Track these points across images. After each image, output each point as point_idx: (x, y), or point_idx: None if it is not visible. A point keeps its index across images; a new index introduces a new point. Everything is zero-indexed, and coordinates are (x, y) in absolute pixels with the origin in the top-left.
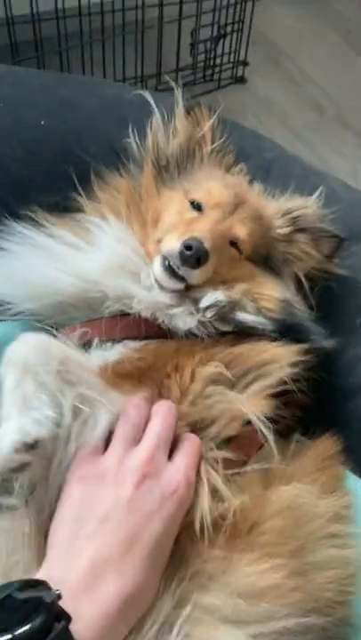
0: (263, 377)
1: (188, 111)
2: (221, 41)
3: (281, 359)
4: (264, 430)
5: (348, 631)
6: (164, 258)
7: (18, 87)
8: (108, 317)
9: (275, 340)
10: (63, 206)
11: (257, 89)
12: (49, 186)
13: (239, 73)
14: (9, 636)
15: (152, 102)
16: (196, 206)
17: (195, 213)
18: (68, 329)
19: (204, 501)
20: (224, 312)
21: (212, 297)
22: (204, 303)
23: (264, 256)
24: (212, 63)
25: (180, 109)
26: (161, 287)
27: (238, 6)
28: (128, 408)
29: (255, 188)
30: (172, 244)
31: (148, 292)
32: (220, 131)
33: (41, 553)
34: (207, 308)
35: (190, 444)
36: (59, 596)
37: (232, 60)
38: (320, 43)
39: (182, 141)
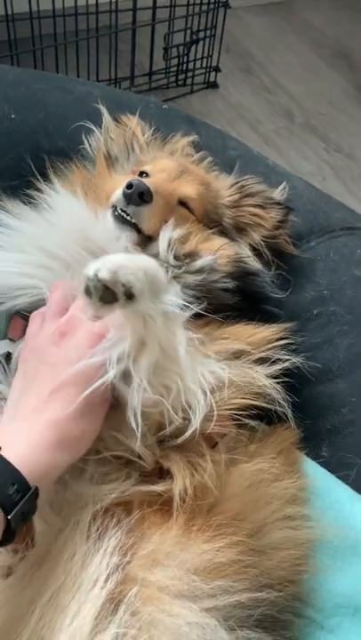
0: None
1: (116, 120)
2: (194, 46)
3: (269, 338)
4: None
5: (298, 605)
6: (114, 207)
7: None
8: None
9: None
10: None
11: (229, 95)
12: (17, 177)
13: (212, 78)
14: None
15: (104, 111)
16: (144, 175)
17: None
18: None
19: (187, 479)
20: (180, 255)
21: (165, 235)
22: (161, 245)
23: (217, 222)
24: (184, 68)
25: (108, 121)
26: (119, 238)
27: (211, 13)
28: (54, 286)
29: (219, 176)
30: (118, 192)
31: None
32: (146, 126)
33: None
34: (166, 249)
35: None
36: None
37: (205, 65)
38: (291, 53)
39: (120, 143)
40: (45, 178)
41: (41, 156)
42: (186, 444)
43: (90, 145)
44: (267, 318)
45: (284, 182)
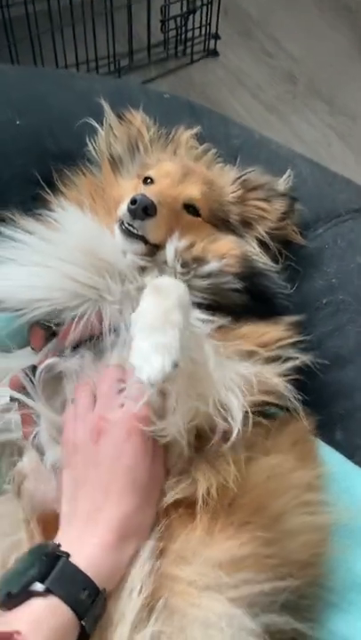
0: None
1: (119, 117)
2: (192, 15)
3: (278, 339)
4: (295, 403)
5: (318, 591)
6: (120, 222)
7: None
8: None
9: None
10: (31, 206)
11: (229, 62)
12: (25, 185)
13: (211, 46)
14: (26, 580)
15: (106, 108)
16: (149, 182)
17: (147, 187)
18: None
19: (211, 482)
20: (188, 261)
21: (171, 245)
22: (168, 254)
23: (223, 219)
24: (183, 38)
25: (112, 119)
26: (125, 252)
27: None
28: (79, 386)
29: (224, 168)
30: (123, 207)
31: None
32: (150, 123)
33: (34, 533)
34: (173, 258)
35: (135, 387)
36: (58, 545)
37: (204, 33)
38: (292, 14)
39: (124, 142)
40: (54, 187)
41: (49, 160)
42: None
43: (94, 147)
44: (276, 311)
45: (288, 170)
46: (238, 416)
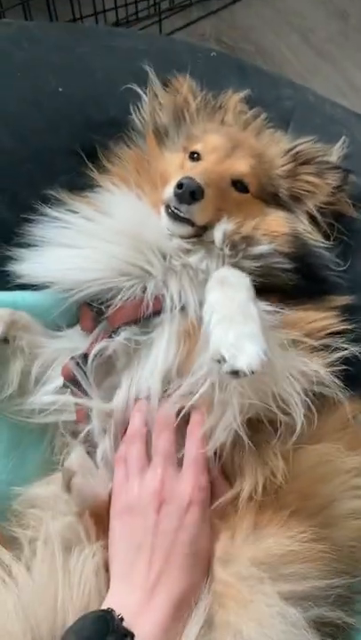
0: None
1: (165, 84)
2: None
3: (327, 327)
4: (338, 392)
5: None
6: (167, 205)
7: (33, 49)
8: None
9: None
10: (77, 183)
11: (277, 0)
12: (71, 157)
13: None
14: None
15: (151, 75)
16: (195, 157)
17: (194, 163)
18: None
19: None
20: (237, 242)
21: (220, 228)
22: (216, 236)
23: (273, 194)
24: None
25: (157, 87)
26: (173, 235)
27: None
28: (128, 435)
29: (274, 135)
30: (169, 190)
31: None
32: (197, 89)
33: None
34: (221, 241)
35: (194, 447)
36: (121, 619)
37: None
38: None
39: (170, 111)
40: (99, 162)
41: (94, 130)
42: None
43: (138, 117)
44: (328, 290)
45: (343, 137)
46: (300, 410)
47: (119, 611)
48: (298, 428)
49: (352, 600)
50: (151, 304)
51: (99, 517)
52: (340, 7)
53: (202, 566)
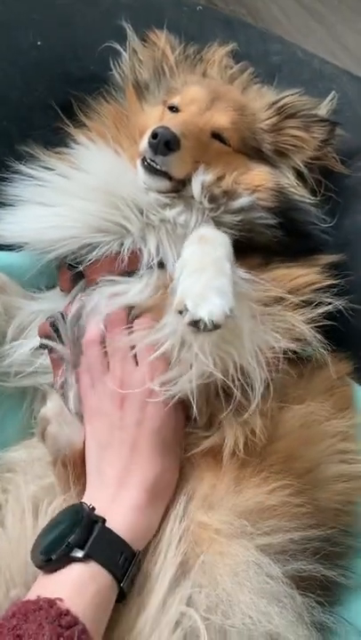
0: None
1: (143, 39)
2: None
3: (311, 283)
4: (321, 349)
5: (350, 539)
6: (143, 158)
7: (13, 3)
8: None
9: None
10: (53, 139)
11: None
12: (48, 113)
13: None
14: (66, 546)
15: (129, 31)
16: (175, 110)
17: (172, 115)
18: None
19: (238, 434)
20: (217, 196)
21: (198, 179)
22: (194, 187)
23: (256, 148)
24: None
25: (135, 43)
26: (149, 189)
27: None
28: (86, 342)
29: (261, 89)
30: (144, 141)
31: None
32: (176, 42)
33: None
34: (200, 193)
35: (143, 335)
36: (92, 508)
37: None
38: None
39: (149, 65)
40: (76, 117)
41: (73, 85)
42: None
43: (118, 72)
44: (315, 247)
45: (332, 92)
46: (258, 390)
47: (91, 503)
48: (253, 404)
49: (333, 553)
50: (127, 258)
51: (74, 466)
52: None
53: (170, 454)
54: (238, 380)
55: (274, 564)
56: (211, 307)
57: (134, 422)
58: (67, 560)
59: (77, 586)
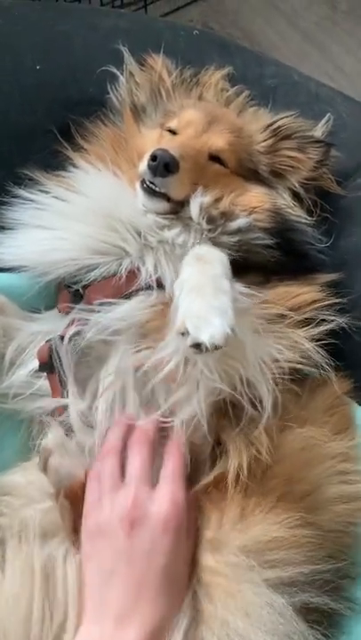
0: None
1: (141, 63)
2: None
3: (312, 301)
4: (328, 368)
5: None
6: (142, 180)
7: (11, 25)
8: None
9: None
10: (52, 162)
11: None
12: (47, 136)
13: None
14: None
15: (126, 54)
16: (172, 132)
17: (170, 137)
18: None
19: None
20: (215, 217)
21: (196, 200)
22: (193, 209)
23: (253, 169)
24: None
25: (132, 67)
26: (148, 210)
27: None
28: (103, 451)
29: (257, 112)
30: (143, 163)
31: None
32: (172, 66)
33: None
34: (198, 214)
35: (171, 460)
36: None
37: None
38: None
39: (146, 89)
40: (75, 140)
41: (72, 109)
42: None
43: (116, 95)
44: (312, 267)
45: (328, 114)
46: (267, 402)
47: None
48: (264, 418)
49: (339, 586)
50: (124, 277)
51: (75, 498)
52: None
53: (178, 594)
54: (247, 394)
55: (285, 602)
56: (211, 329)
57: (144, 555)
58: None
59: None
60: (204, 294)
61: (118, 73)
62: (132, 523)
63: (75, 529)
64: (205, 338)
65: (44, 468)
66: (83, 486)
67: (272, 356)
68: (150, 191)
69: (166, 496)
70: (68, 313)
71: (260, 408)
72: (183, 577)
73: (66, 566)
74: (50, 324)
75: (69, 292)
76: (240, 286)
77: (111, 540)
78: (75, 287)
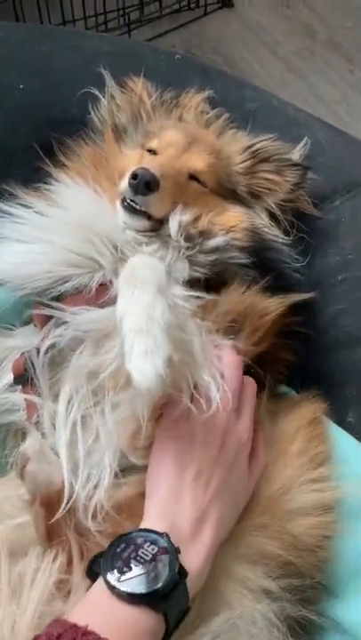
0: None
1: (121, 85)
2: None
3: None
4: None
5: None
6: (122, 198)
7: None
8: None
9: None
10: (33, 178)
11: (246, 14)
12: (29, 154)
13: None
14: (150, 588)
15: (107, 77)
16: (153, 152)
17: (151, 157)
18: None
19: None
20: (193, 235)
21: (175, 218)
22: (172, 226)
23: (231, 190)
24: None
25: (113, 89)
26: (128, 228)
27: None
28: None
29: (235, 134)
30: (125, 182)
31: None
32: (152, 88)
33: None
34: (177, 231)
35: (249, 389)
36: (178, 550)
37: None
38: None
39: (127, 110)
40: (57, 158)
41: (54, 128)
42: None
43: (97, 116)
44: (287, 286)
45: (305, 138)
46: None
47: (172, 534)
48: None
49: (310, 595)
50: (94, 290)
51: (50, 505)
52: (306, 23)
53: (240, 507)
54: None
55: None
56: (144, 378)
57: (226, 465)
58: (138, 600)
59: (131, 631)
60: (138, 333)
61: (100, 95)
62: (225, 441)
63: (49, 536)
64: (141, 386)
65: (21, 474)
66: (59, 494)
67: (220, 355)
68: (131, 209)
69: (247, 421)
70: (42, 327)
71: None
72: (243, 495)
73: (34, 585)
74: (25, 339)
75: (44, 306)
76: (181, 290)
77: (205, 448)
78: (49, 302)
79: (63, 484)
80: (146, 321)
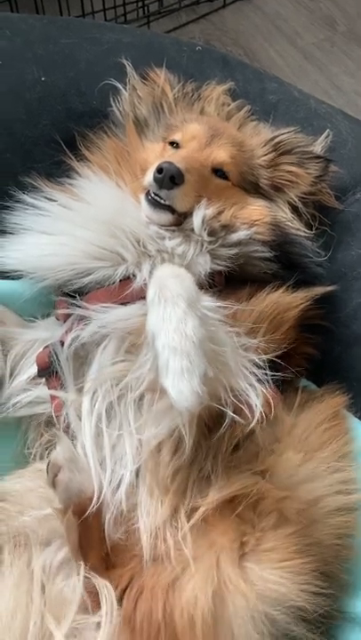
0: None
1: (143, 77)
2: None
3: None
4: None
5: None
6: (147, 192)
7: (17, 39)
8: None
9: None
10: (55, 172)
11: (265, 5)
12: (51, 146)
13: None
14: None
15: (129, 68)
16: (175, 146)
17: (174, 151)
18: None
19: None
20: (216, 229)
21: (199, 213)
22: (195, 221)
23: (254, 183)
24: None
25: (135, 80)
26: (152, 222)
27: None
28: None
29: (257, 126)
30: (149, 175)
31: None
32: (174, 80)
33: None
34: (200, 226)
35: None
36: None
37: None
38: None
39: (149, 103)
40: (78, 151)
41: (75, 120)
42: None
43: (118, 109)
44: (308, 280)
45: (327, 130)
46: (257, 402)
47: None
48: (253, 421)
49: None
50: (118, 283)
51: (83, 515)
52: (328, 14)
53: None
54: (233, 402)
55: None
56: (184, 399)
57: None
58: None
59: None
60: (173, 352)
61: (121, 86)
62: None
63: (81, 545)
64: (182, 407)
65: (53, 483)
66: (90, 502)
67: (252, 359)
68: (155, 203)
69: None
70: (65, 320)
71: (248, 414)
72: None
73: (61, 575)
74: (47, 331)
75: (67, 300)
76: (209, 301)
77: None
78: (72, 294)
79: (94, 492)
80: (179, 338)
